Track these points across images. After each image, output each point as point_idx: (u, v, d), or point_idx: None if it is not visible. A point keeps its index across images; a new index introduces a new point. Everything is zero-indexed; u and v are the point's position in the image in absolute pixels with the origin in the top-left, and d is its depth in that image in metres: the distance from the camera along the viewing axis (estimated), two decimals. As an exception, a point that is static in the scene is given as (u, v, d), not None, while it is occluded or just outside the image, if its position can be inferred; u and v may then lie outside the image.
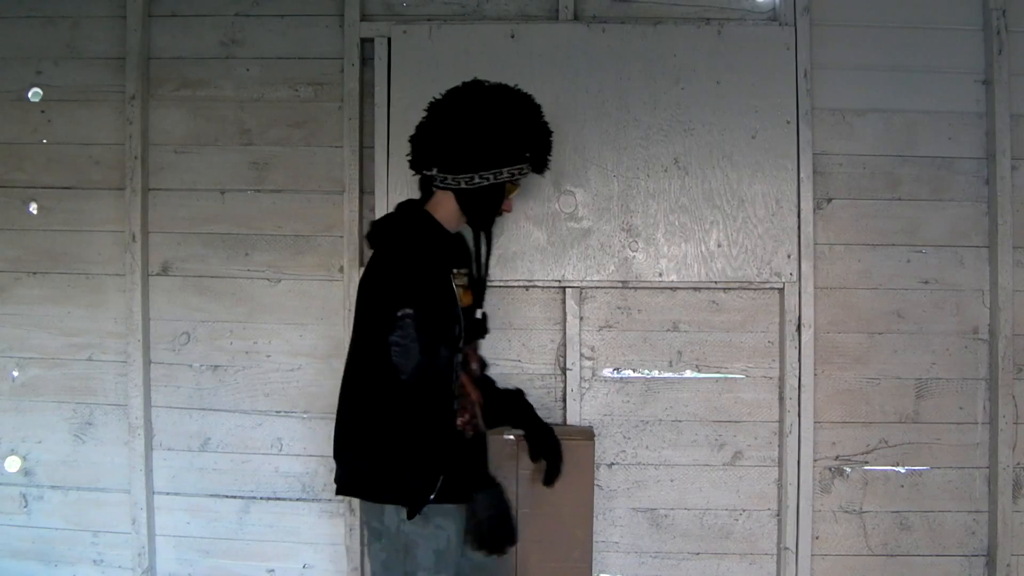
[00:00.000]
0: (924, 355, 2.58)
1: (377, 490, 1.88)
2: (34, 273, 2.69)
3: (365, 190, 2.62)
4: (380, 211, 2.58)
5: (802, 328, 2.53)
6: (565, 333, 2.58)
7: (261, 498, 2.66)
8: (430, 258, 1.89)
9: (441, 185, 1.95)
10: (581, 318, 2.59)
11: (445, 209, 1.96)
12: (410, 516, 1.83)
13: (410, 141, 2.01)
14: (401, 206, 2.03)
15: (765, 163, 2.54)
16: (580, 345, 2.57)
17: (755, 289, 2.57)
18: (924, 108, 2.57)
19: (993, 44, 2.52)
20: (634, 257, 2.56)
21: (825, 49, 2.55)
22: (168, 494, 2.68)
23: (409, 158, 2.01)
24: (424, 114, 2.00)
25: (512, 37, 2.56)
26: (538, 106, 2.03)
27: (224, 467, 2.67)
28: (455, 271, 1.98)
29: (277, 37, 2.65)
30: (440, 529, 1.90)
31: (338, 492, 1.95)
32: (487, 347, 2.59)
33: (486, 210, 1.99)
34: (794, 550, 2.55)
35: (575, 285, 2.57)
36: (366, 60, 2.62)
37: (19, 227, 2.69)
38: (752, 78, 2.53)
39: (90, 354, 2.68)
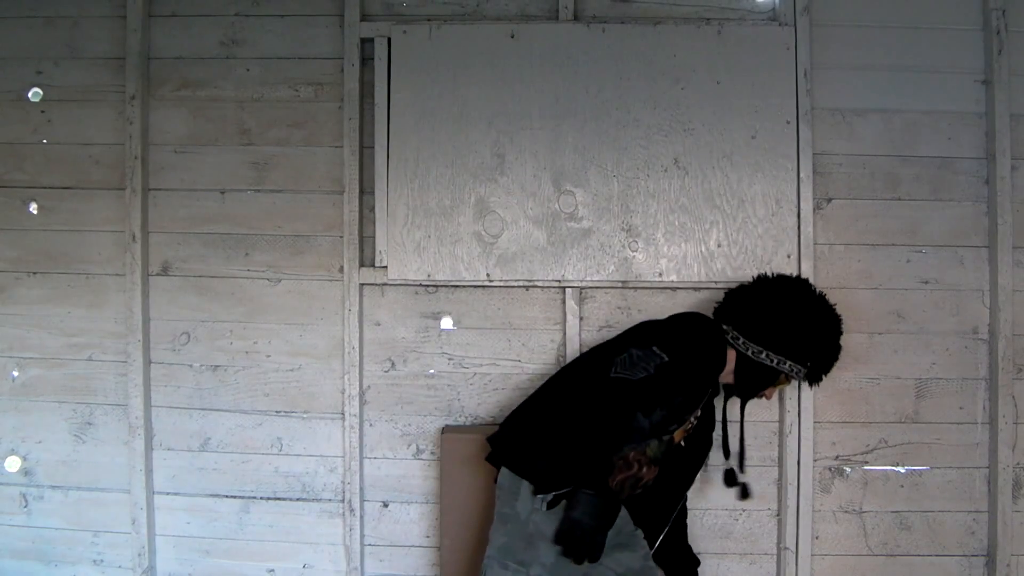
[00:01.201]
0: (924, 355, 2.58)
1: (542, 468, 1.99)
2: (34, 273, 2.70)
3: (365, 190, 2.62)
4: (380, 211, 2.59)
5: (802, 328, 2.54)
6: (565, 333, 2.58)
7: (261, 498, 2.66)
8: (706, 380, 2.13)
9: (731, 343, 2.16)
10: (581, 318, 2.59)
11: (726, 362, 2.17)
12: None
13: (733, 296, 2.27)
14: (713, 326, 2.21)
15: (765, 163, 2.54)
16: (580, 345, 2.57)
17: (755, 289, 2.57)
18: (924, 108, 2.57)
19: (993, 44, 2.52)
20: (634, 257, 2.56)
21: (825, 49, 2.55)
22: (168, 494, 2.68)
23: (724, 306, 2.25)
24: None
25: (512, 37, 2.57)
26: (840, 331, 2.23)
27: (224, 467, 2.67)
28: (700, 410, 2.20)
29: (277, 37, 2.65)
30: None
31: (488, 458, 2.13)
32: (486, 346, 2.61)
33: (752, 384, 2.19)
34: (794, 550, 2.55)
35: (575, 285, 2.57)
36: (366, 60, 2.62)
37: (19, 227, 2.69)
38: (752, 78, 2.54)
39: (90, 354, 2.68)
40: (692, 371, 2.03)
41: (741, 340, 2.15)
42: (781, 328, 2.14)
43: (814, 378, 2.22)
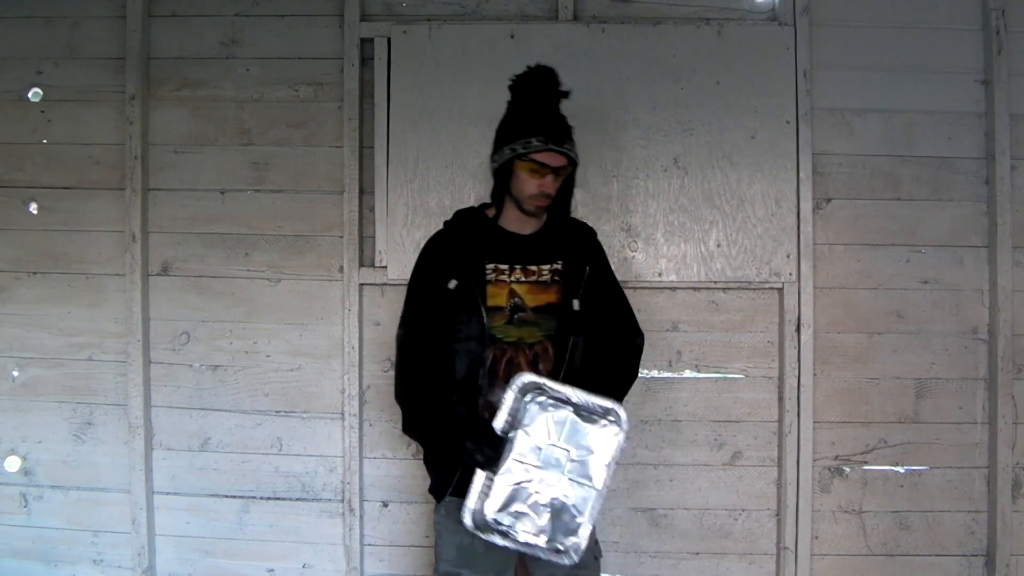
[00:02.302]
0: (924, 355, 2.58)
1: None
2: (34, 273, 2.70)
3: (365, 190, 2.62)
4: (380, 211, 2.59)
5: (801, 328, 2.54)
6: (565, 333, 2.58)
7: (261, 498, 2.67)
8: (444, 245, 1.97)
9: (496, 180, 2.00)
10: (581, 318, 2.59)
11: (503, 204, 2.00)
12: (437, 501, 1.97)
13: None
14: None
15: (765, 163, 2.54)
16: (580, 345, 2.57)
17: (754, 289, 2.58)
18: (924, 108, 2.57)
19: (993, 44, 2.52)
20: (633, 257, 2.56)
21: (825, 49, 2.55)
22: (168, 494, 2.68)
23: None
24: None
25: (512, 37, 2.57)
26: (526, 91, 1.94)
27: (224, 467, 2.67)
28: (494, 265, 1.94)
29: (277, 37, 2.65)
30: (462, 524, 1.90)
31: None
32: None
33: (499, 189, 1.98)
34: (793, 550, 2.55)
35: (575, 285, 2.57)
36: (366, 60, 2.62)
37: (19, 227, 2.69)
38: (752, 78, 2.54)
39: (90, 354, 2.69)
40: (416, 264, 2.01)
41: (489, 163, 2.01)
42: (500, 125, 1.99)
43: (529, 149, 1.89)
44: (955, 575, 2.58)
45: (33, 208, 2.69)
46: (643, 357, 2.12)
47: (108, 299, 2.67)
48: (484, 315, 1.90)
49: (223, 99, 2.66)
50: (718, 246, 2.55)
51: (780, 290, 2.56)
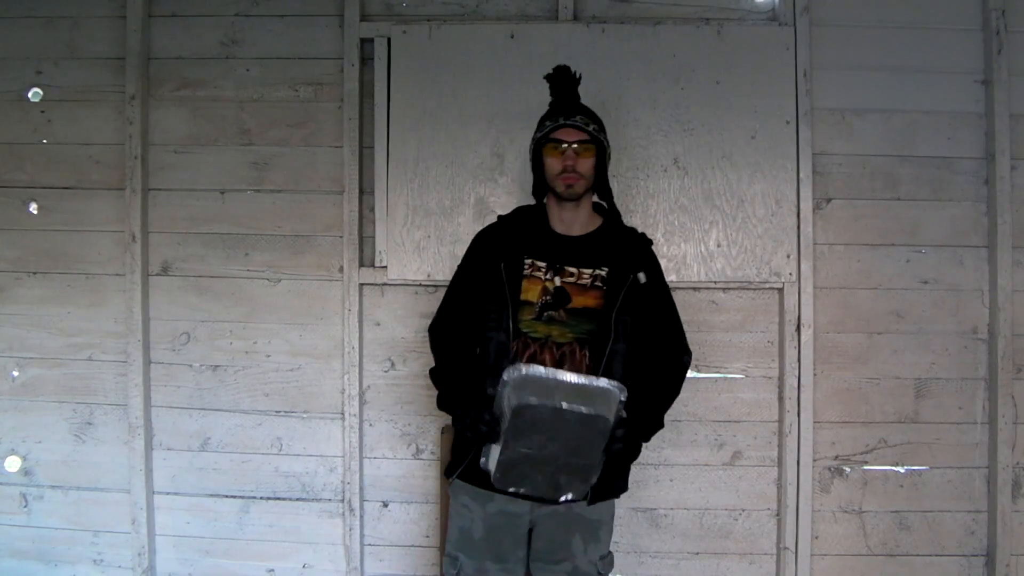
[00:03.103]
0: (923, 355, 2.58)
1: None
2: (34, 273, 2.70)
3: (365, 190, 2.62)
4: (380, 211, 2.59)
5: (801, 328, 2.54)
6: (565, 333, 2.58)
7: (261, 498, 2.67)
8: (491, 236, 2.04)
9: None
10: (581, 318, 2.59)
11: (548, 202, 2.05)
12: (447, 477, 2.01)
13: None
14: None
15: (765, 163, 2.54)
16: (580, 345, 2.57)
17: (754, 289, 2.58)
18: (924, 108, 2.57)
19: (993, 44, 2.52)
20: (634, 257, 2.56)
21: (825, 49, 2.55)
22: (168, 494, 2.68)
23: None
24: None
25: (512, 37, 2.57)
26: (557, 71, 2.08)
27: (224, 467, 2.67)
28: (531, 261, 1.95)
29: (277, 37, 2.65)
30: (465, 508, 1.95)
31: None
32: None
33: (537, 176, 2.03)
34: (793, 550, 2.55)
35: (575, 285, 2.57)
36: (366, 60, 2.62)
37: (19, 227, 2.69)
38: (752, 78, 2.54)
39: (90, 354, 2.69)
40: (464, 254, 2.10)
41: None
42: None
43: (555, 112, 2.01)
44: (955, 575, 2.58)
45: (33, 208, 2.69)
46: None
47: (108, 299, 2.67)
48: (510, 307, 1.91)
49: (223, 99, 2.66)
50: (718, 246, 2.55)
51: (780, 290, 2.56)
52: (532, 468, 1.75)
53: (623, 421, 1.79)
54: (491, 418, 1.78)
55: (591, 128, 1.97)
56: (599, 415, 1.71)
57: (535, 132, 2.02)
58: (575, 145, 1.94)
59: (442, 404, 2.00)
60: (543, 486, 1.77)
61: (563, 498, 1.79)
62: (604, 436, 1.74)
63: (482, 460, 1.82)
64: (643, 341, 1.96)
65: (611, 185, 2.06)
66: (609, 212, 2.07)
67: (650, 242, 2.08)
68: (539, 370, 1.74)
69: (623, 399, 1.75)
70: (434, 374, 2.03)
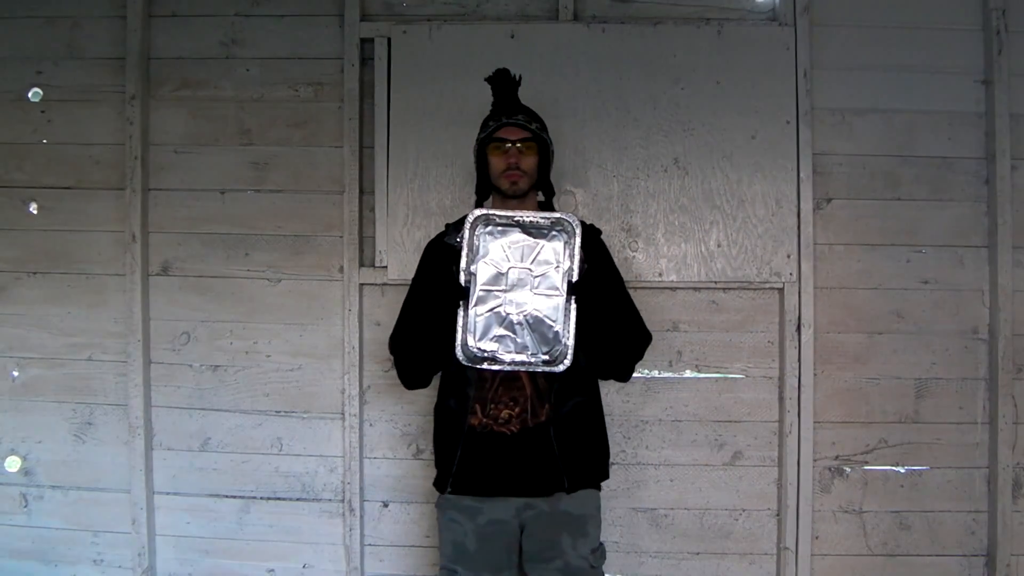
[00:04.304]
0: (924, 355, 2.58)
1: None
2: (34, 273, 2.69)
3: (365, 190, 2.62)
4: (380, 211, 2.59)
5: (802, 328, 2.54)
6: (565, 333, 2.58)
7: (261, 498, 2.66)
8: (439, 244, 2.09)
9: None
10: (581, 318, 2.59)
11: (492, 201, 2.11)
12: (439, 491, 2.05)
13: None
14: None
15: (765, 163, 2.54)
16: (580, 345, 2.57)
17: (755, 289, 2.58)
18: (924, 108, 2.57)
19: (993, 44, 2.52)
20: (634, 257, 2.56)
21: (825, 49, 2.55)
22: (168, 494, 2.68)
23: None
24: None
25: (512, 37, 2.57)
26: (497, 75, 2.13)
27: (224, 467, 2.67)
28: None
29: (277, 37, 2.65)
30: (454, 523, 1.96)
31: None
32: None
33: (481, 180, 2.10)
34: (794, 550, 2.55)
35: (575, 285, 2.57)
36: (366, 60, 2.62)
37: (19, 227, 2.69)
38: (752, 78, 2.54)
39: (90, 354, 2.68)
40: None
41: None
42: None
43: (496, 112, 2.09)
44: (955, 575, 2.58)
45: (33, 208, 2.69)
46: (644, 357, 2.14)
47: (108, 299, 2.67)
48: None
49: (223, 99, 2.66)
50: (718, 246, 2.55)
51: (780, 290, 2.56)
52: (500, 325, 1.93)
53: (583, 371, 1.98)
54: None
55: (533, 126, 2.02)
56: (560, 217, 1.92)
57: (478, 133, 2.07)
58: (518, 144, 2.00)
59: (400, 354, 2.07)
60: (514, 349, 1.92)
61: (533, 359, 1.91)
62: (570, 250, 1.91)
63: (460, 340, 1.91)
64: (599, 327, 2.00)
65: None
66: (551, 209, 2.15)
67: (598, 232, 2.14)
68: (489, 210, 1.95)
69: (579, 230, 1.91)
70: (393, 341, 2.08)
